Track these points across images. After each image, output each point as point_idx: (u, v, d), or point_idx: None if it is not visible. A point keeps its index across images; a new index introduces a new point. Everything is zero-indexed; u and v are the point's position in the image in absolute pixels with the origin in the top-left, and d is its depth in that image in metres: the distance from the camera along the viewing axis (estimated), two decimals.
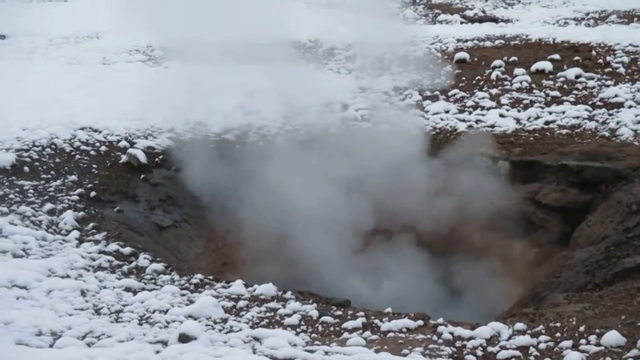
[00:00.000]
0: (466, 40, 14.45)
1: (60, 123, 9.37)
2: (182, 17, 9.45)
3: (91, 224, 7.35)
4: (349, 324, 5.44)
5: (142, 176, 8.74)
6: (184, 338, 4.81)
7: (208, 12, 9.36)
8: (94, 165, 8.65)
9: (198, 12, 9.45)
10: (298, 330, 5.38)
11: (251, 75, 10.19)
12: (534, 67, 12.07)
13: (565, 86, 11.23)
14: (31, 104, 9.88)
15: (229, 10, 9.38)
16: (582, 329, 5.17)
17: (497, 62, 12.40)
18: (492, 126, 9.93)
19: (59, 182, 8.13)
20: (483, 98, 10.86)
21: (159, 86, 10.12)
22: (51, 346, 4.80)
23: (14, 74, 11.92)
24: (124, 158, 8.88)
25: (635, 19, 16.16)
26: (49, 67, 12.88)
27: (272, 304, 5.83)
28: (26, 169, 8.26)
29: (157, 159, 9.07)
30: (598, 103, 10.43)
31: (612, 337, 4.90)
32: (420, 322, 5.48)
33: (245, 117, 9.93)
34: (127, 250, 6.95)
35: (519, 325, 5.27)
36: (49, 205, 7.50)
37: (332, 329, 5.41)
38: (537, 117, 10.07)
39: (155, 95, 9.76)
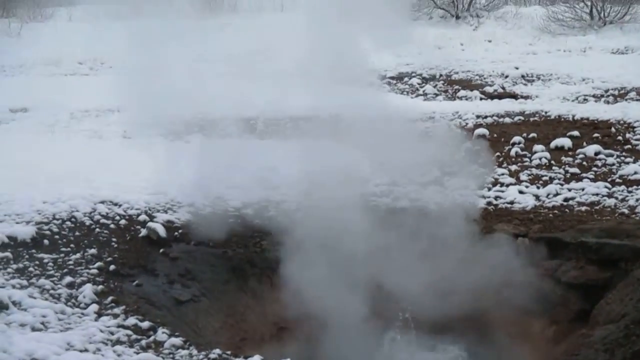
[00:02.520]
0: (486, 117, 14.51)
1: (81, 196, 9.44)
2: (204, 93, 9.56)
3: (110, 298, 7.36)
4: None
5: (161, 250, 8.74)
6: None
7: (231, 90, 9.45)
8: (114, 239, 8.68)
9: (222, 90, 9.54)
10: None
11: (271, 150, 10.27)
12: (553, 144, 12.10)
13: (584, 163, 11.25)
14: (52, 177, 9.95)
15: (252, 88, 9.46)
16: None
17: (516, 139, 12.44)
18: (512, 203, 9.92)
19: (78, 255, 8.15)
20: (502, 174, 10.88)
21: (179, 160, 10.18)
22: None
23: (35, 147, 12.03)
24: (143, 232, 8.91)
25: None
26: (69, 141, 13.01)
27: None
28: (46, 242, 8.30)
29: (176, 233, 9.09)
30: (617, 180, 10.43)
31: None
32: None
33: (264, 192, 9.95)
34: (145, 324, 6.94)
35: None
36: (68, 279, 7.52)
37: None
38: (557, 194, 10.07)
39: (176, 168, 9.82)
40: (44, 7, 30.82)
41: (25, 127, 14.33)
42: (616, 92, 16.78)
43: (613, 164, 11.11)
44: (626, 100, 15.88)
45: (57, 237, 8.46)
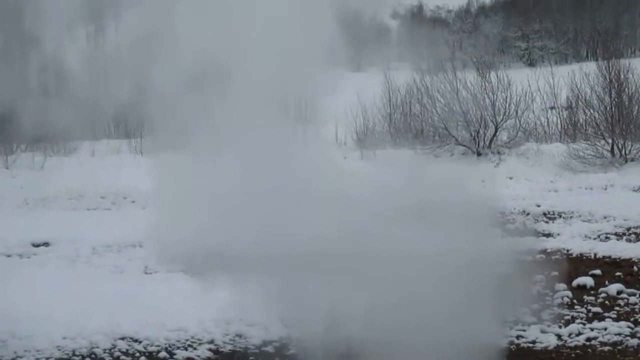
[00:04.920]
0: (507, 255, 14.46)
1: (101, 332, 9.46)
2: (225, 229, 9.61)
3: None
4: None
5: None
6: None
7: (259, 221, 9.46)
8: None
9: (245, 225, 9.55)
10: None
11: (291, 285, 10.26)
12: (575, 282, 12.05)
13: (606, 302, 11.18)
14: (73, 312, 10.00)
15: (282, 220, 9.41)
16: None
17: (537, 277, 12.39)
18: (533, 342, 9.84)
19: None
20: (524, 313, 10.81)
21: (200, 296, 10.20)
22: None
23: (56, 282, 12.09)
24: None
25: None
26: (91, 275, 13.07)
27: None
28: None
29: None
30: None
31: None
32: None
33: (285, 329, 9.92)
34: None
35: None
36: None
37: None
38: (579, 334, 9.98)
39: (196, 304, 9.85)
40: (68, 141, 31.27)
41: (47, 261, 14.40)
42: (638, 231, 16.75)
43: (636, 304, 11.04)
44: None
45: None
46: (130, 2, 10.22)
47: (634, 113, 29.22)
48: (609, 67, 29.92)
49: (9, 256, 14.82)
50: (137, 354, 9.15)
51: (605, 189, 23.97)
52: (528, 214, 19.85)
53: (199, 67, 9.45)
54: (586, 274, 12.46)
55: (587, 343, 9.70)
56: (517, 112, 30.90)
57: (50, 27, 10.54)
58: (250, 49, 9.25)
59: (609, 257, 13.90)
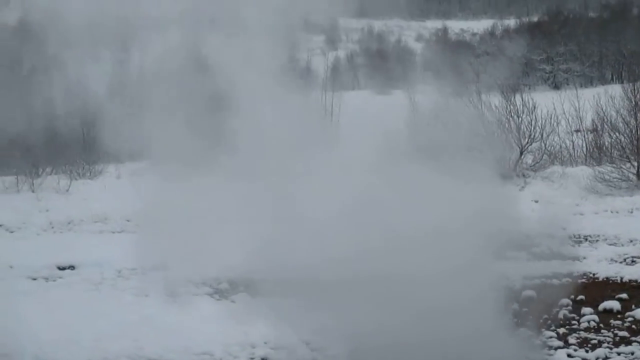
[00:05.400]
0: (533, 278, 14.40)
1: (125, 355, 9.46)
2: (250, 252, 9.60)
3: None
4: None
5: None
6: None
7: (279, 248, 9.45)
8: None
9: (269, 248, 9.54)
10: None
11: (317, 311, 10.24)
12: (601, 306, 11.96)
13: (633, 326, 11.08)
14: (97, 335, 10.02)
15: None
16: None
17: (564, 301, 12.31)
18: None
19: None
20: (550, 337, 10.75)
21: (225, 319, 10.21)
22: None
23: (81, 306, 12.10)
24: None
25: None
26: (116, 299, 13.09)
27: None
28: None
29: None
30: None
31: None
32: None
33: (310, 354, 9.89)
34: None
35: None
36: None
37: None
38: (606, 358, 9.90)
39: (220, 328, 9.84)
40: (93, 164, 31.45)
41: (72, 284, 14.44)
42: None
43: None
44: None
45: None
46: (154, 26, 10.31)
47: None
48: (634, 89, 29.78)
49: (35, 279, 14.87)
50: None
51: (631, 212, 23.80)
52: (554, 237, 19.72)
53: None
54: (612, 298, 12.37)
55: None
56: (542, 135, 30.80)
57: (74, 51, 10.63)
58: None
59: (636, 280, 13.80)
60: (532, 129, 30.60)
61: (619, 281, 13.95)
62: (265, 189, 9.50)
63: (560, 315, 11.73)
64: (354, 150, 9.54)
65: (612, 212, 24.01)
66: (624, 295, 12.53)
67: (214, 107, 9.76)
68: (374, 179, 9.28)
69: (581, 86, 62.39)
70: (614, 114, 30.55)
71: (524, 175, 29.96)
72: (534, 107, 30.96)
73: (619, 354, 10.01)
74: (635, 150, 28.39)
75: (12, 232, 20.48)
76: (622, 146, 29.23)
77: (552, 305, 12.32)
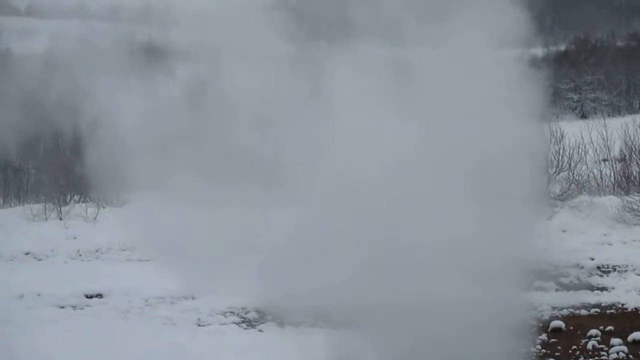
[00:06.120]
0: (561, 308, 14.33)
1: None
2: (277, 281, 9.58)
3: None
4: None
5: None
6: None
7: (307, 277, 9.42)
8: None
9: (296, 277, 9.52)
10: None
11: (344, 341, 10.21)
12: (630, 337, 11.87)
13: None
14: None
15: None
16: None
17: (593, 332, 12.23)
18: None
19: None
20: None
21: (252, 349, 10.20)
22: None
23: (108, 335, 12.12)
24: None
25: None
26: (143, 327, 13.11)
27: None
28: None
29: None
30: None
31: None
32: None
33: None
34: None
35: None
36: None
37: None
38: None
39: (248, 357, 9.82)
40: (121, 192, 31.39)
41: (100, 313, 14.48)
42: None
43: None
44: None
45: None
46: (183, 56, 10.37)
47: None
48: None
49: (63, 307, 14.93)
50: None
51: None
52: (582, 267, 19.61)
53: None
54: None
55: None
56: (570, 165, 30.66)
57: (103, 80, 10.70)
58: None
59: None
60: (560, 158, 30.48)
61: None
62: (290, 214, 9.51)
63: (589, 346, 11.65)
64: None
65: None
66: None
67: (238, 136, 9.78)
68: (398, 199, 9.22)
69: (609, 115, 62.10)
70: None
71: (551, 205, 29.82)
72: (562, 136, 30.86)
73: None
74: None
75: (40, 260, 20.53)
76: None
77: (581, 336, 12.25)
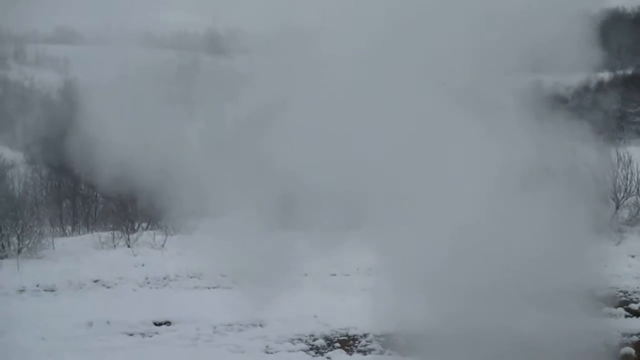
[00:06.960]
0: (631, 335, 14.14)
1: None
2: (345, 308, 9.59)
3: None
4: None
5: None
6: None
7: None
8: None
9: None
10: None
11: None
12: None
13: None
14: None
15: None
16: None
17: None
18: None
19: None
20: None
21: None
22: None
23: None
24: None
25: None
26: (212, 355, 13.18)
27: None
28: None
29: None
30: None
31: None
32: None
33: None
34: None
35: None
36: None
37: None
38: None
39: None
40: (188, 220, 31.51)
41: (168, 340, 14.56)
42: None
43: None
44: None
45: None
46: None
47: None
48: None
49: (131, 335, 15.04)
50: None
51: None
52: None
53: None
54: None
55: None
56: (638, 189, 30.34)
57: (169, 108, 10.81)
58: None
59: None
60: (628, 183, 30.16)
61: None
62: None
63: None
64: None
65: None
66: None
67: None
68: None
69: None
70: None
71: (620, 230, 29.46)
72: (630, 161, 30.55)
73: None
74: None
75: (108, 287, 20.72)
76: None
77: None
